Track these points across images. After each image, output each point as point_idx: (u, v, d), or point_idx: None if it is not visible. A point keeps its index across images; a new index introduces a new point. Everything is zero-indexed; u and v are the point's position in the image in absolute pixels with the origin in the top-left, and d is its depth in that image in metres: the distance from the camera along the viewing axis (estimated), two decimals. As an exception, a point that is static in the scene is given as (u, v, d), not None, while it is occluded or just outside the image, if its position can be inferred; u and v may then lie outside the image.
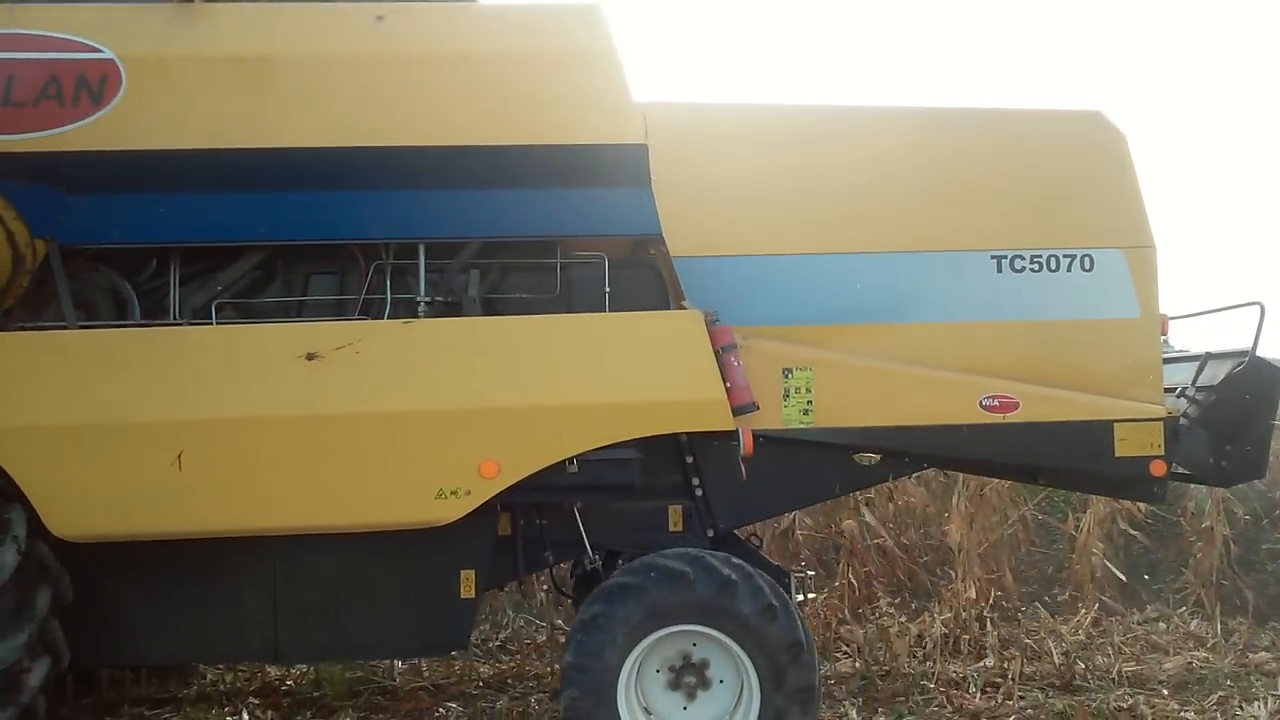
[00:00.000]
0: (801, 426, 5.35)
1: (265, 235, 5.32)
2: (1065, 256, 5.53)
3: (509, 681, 7.48)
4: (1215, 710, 6.72)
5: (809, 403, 5.35)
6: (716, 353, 5.17)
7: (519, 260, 5.59)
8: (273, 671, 7.58)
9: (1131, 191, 5.64)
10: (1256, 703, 6.77)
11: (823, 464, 5.56)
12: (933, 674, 7.37)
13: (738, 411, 5.15)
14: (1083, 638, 8.18)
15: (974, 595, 8.70)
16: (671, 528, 5.60)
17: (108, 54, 5.11)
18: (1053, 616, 8.64)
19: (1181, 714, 6.65)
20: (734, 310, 5.31)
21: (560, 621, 8.68)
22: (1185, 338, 7.02)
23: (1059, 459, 5.56)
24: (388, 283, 5.43)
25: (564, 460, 5.09)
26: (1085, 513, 9.48)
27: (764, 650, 4.99)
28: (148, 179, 5.16)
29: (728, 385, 5.14)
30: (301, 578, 5.35)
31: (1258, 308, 5.56)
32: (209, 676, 7.49)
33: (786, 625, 4.98)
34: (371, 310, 5.40)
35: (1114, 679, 7.32)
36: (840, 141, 5.65)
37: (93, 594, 5.20)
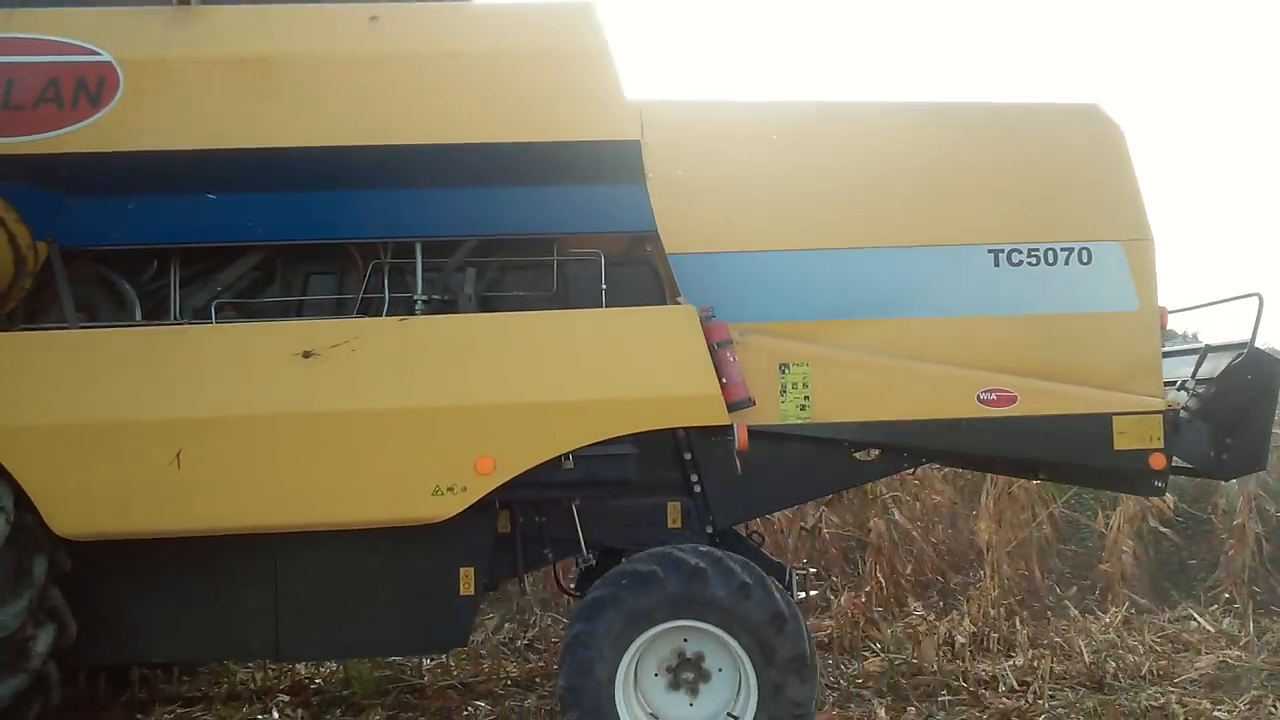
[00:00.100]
0: (798, 422, 5.36)
1: (263, 235, 5.37)
2: (1063, 250, 5.51)
3: (537, 680, 7.50)
4: (1248, 710, 6.65)
5: (806, 398, 5.36)
6: (712, 348, 5.18)
7: (515, 258, 5.62)
8: (302, 670, 7.64)
9: (1129, 184, 5.62)
10: (1290, 701, 6.71)
11: (821, 459, 5.56)
12: (961, 673, 7.32)
13: (734, 407, 5.16)
14: (1113, 636, 8.12)
15: (1002, 594, 8.66)
16: (670, 524, 5.62)
17: (106, 57, 5.17)
18: (1082, 615, 8.59)
19: (1214, 713, 6.58)
20: (730, 306, 5.33)
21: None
22: (1198, 329, 6.95)
23: (1058, 453, 5.54)
24: (385, 282, 5.47)
25: (559, 456, 5.11)
26: (1115, 510, 9.43)
27: (747, 628, 4.98)
28: (147, 180, 5.21)
29: (723, 381, 5.15)
30: (302, 576, 5.39)
31: (1256, 299, 5.53)
32: (239, 675, 7.54)
33: (763, 599, 4.97)
34: (370, 310, 5.44)
35: (1145, 678, 7.27)
36: (836, 137, 5.66)
37: (94, 593, 5.26)
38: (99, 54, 5.17)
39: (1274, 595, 9.11)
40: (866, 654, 7.86)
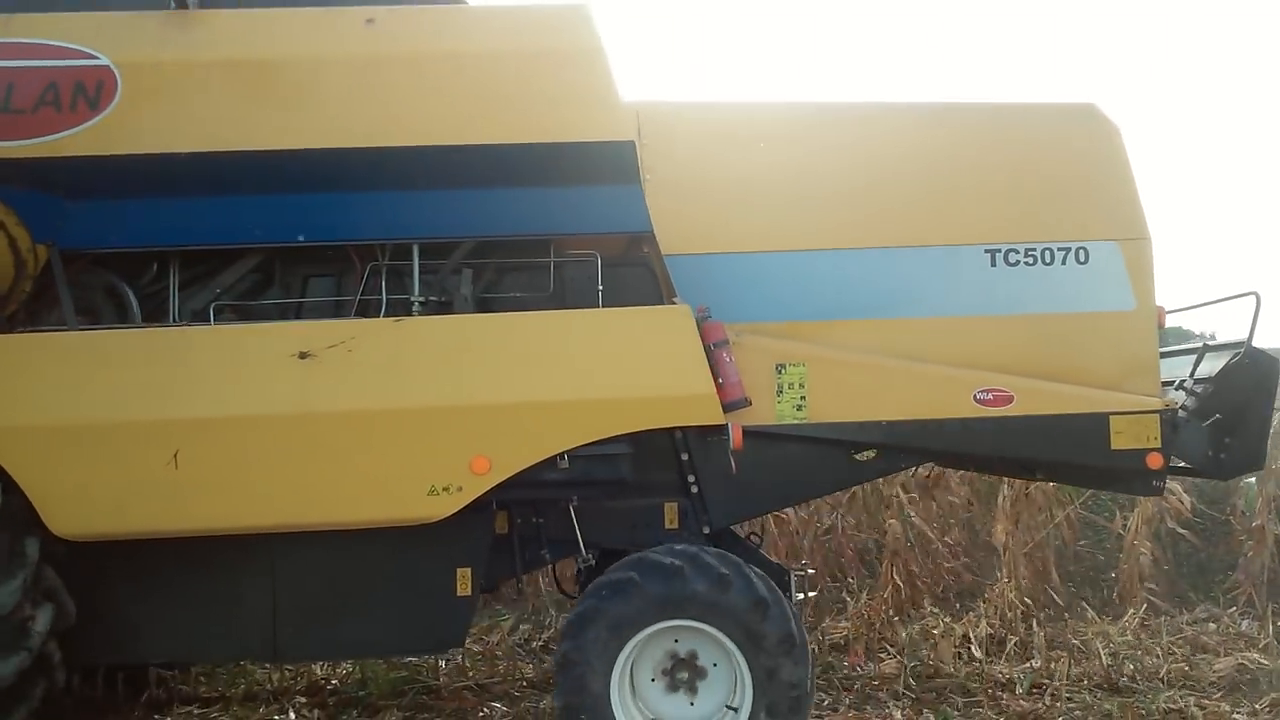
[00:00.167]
0: (795, 422, 5.37)
1: (261, 238, 5.41)
2: (1060, 249, 5.51)
3: (552, 681, 7.48)
4: (1268, 713, 6.62)
5: (802, 398, 5.37)
6: (709, 349, 5.19)
7: (512, 259, 5.64)
8: (319, 670, 7.67)
9: (1126, 183, 5.61)
10: (1310, 705, 6.67)
11: (818, 459, 5.56)
12: (978, 675, 7.30)
13: (730, 407, 5.17)
14: (1131, 638, 8.09)
15: (1019, 595, 8.63)
16: (668, 525, 5.63)
17: (104, 60, 5.20)
18: (1100, 617, 8.55)
19: (1233, 716, 6.56)
20: (727, 307, 5.34)
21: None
22: (1215, 329, 6.93)
23: (1055, 452, 5.53)
24: (383, 284, 5.49)
25: (555, 456, 5.13)
26: (1133, 512, 9.39)
27: (731, 619, 4.99)
28: (145, 183, 5.25)
29: (719, 381, 5.16)
30: (300, 576, 5.42)
31: (1254, 298, 5.52)
32: (256, 675, 7.57)
33: (743, 588, 4.98)
34: (369, 312, 5.45)
35: (1163, 680, 7.24)
36: (833, 138, 5.67)
37: (92, 593, 5.29)
38: (97, 58, 5.21)
39: (1293, 597, 9.06)
40: (883, 656, 7.84)
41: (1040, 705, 6.77)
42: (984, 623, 8.11)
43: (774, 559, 7.47)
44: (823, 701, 6.89)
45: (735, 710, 5.05)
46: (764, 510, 7.05)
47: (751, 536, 6.54)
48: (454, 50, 5.45)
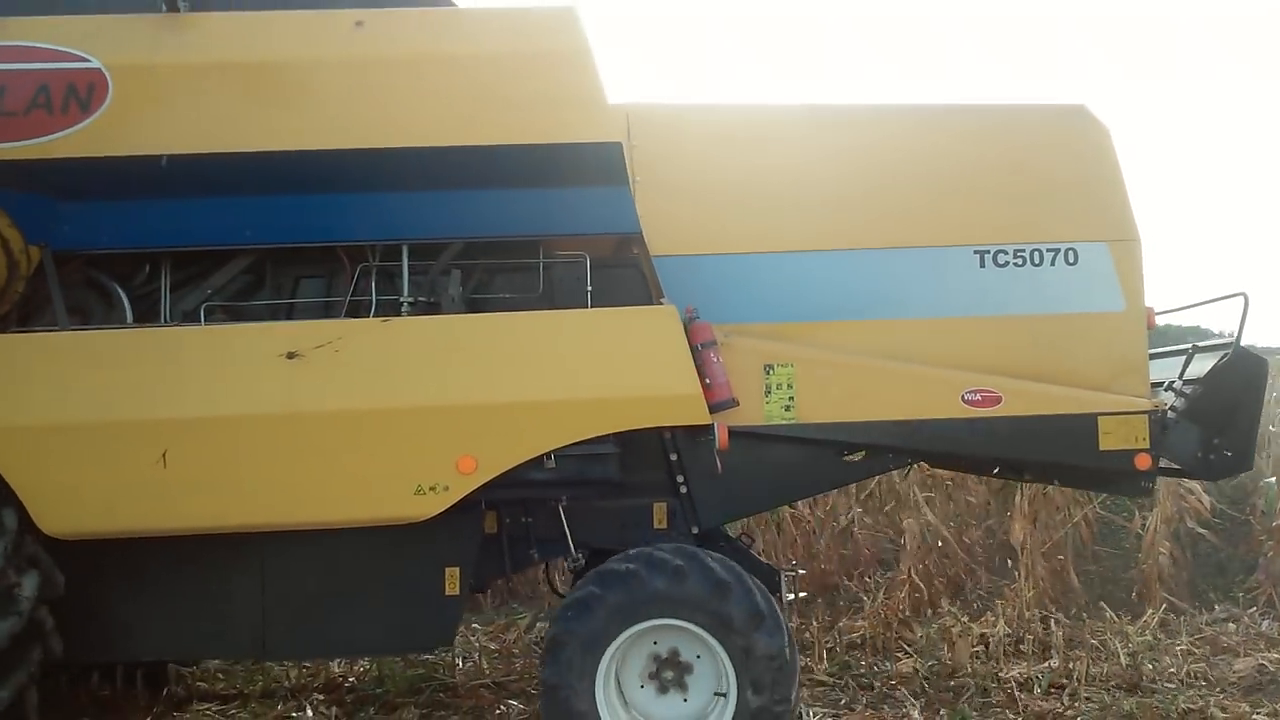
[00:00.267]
0: (783, 422, 5.38)
1: (252, 239, 5.43)
2: (1049, 250, 5.51)
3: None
4: (1287, 713, 6.58)
5: (791, 399, 5.38)
6: (696, 349, 5.20)
7: (501, 260, 5.65)
8: (336, 668, 7.72)
9: (1115, 185, 5.60)
10: (1330, 706, 6.62)
11: (807, 460, 5.57)
12: (996, 674, 7.27)
13: (717, 408, 5.18)
14: (1150, 638, 8.03)
15: (1037, 595, 8.59)
16: (656, 525, 5.65)
17: (95, 63, 5.25)
18: (1118, 617, 8.50)
19: (1253, 717, 6.49)
20: (716, 308, 5.35)
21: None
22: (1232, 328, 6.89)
23: (1043, 453, 5.53)
24: (373, 285, 5.50)
25: (541, 456, 5.15)
26: (1152, 511, 9.33)
27: (695, 606, 5.01)
28: (136, 185, 5.28)
29: (706, 381, 5.17)
30: (288, 575, 5.46)
31: (1242, 299, 5.49)
32: (274, 672, 7.60)
33: (700, 577, 5.00)
34: (359, 312, 5.46)
35: (1183, 681, 7.18)
36: (822, 140, 5.68)
37: (83, 591, 5.32)
38: (89, 61, 5.25)
39: (1313, 597, 9.00)
40: (900, 655, 7.82)
41: (1059, 705, 6.72)
42: (1002, 622, 8.07)
43: (768, 559, 7.46)
44: (840, 701, 6.88)
45: (724, 695, 5.07)
46: (753, 510, 7.10)
47: (742, 537, 6.55)
48: (442, 52, 5.49)
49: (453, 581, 5.44)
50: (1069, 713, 6.60)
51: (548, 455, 5.16)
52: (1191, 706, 6.64)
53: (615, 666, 5.12)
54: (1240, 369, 5.45)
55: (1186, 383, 5.68)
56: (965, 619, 8.33)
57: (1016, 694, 6.95)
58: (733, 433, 5.23)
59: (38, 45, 5.27)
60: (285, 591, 5.45)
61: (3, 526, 4.95)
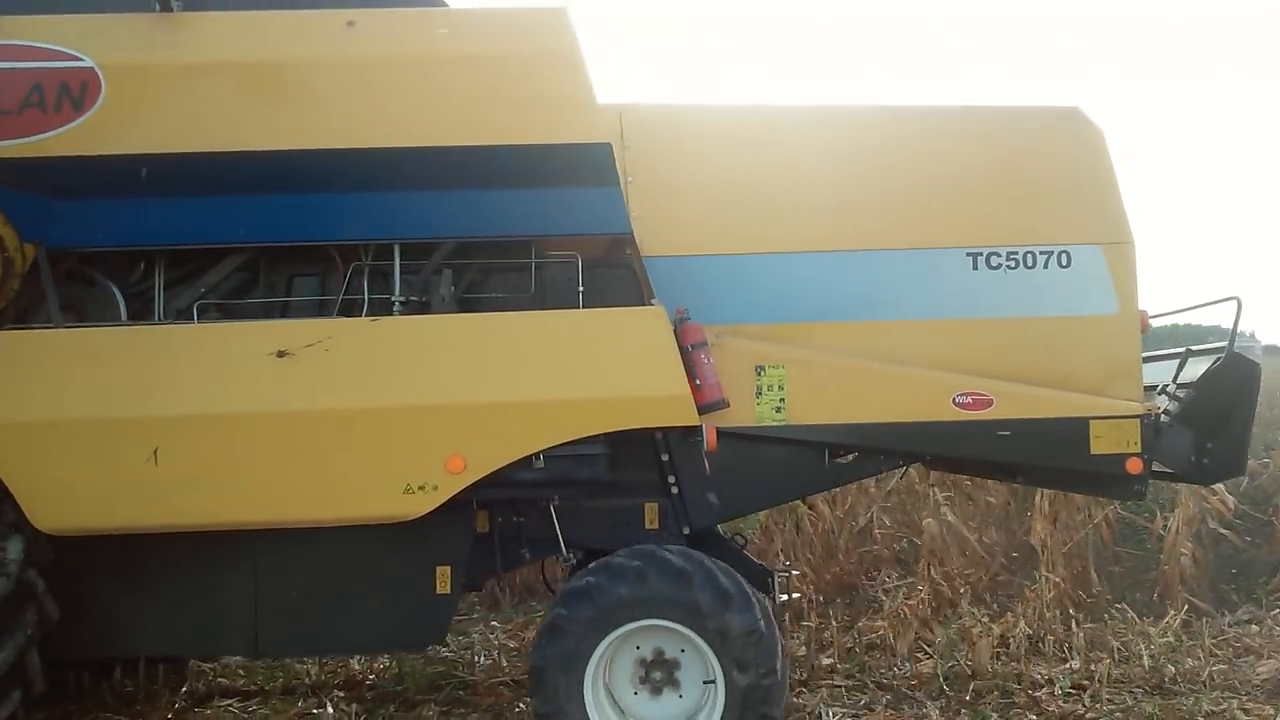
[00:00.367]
0: (774, 424, 5.38)
1: (245, 237, 5.47)
2: (1042, 253, 5.50)
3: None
4: (1311, 716, 6.52)
5: (782, 400, 5.38)
6: (687, 350, 5.20)
7: (492, 260, 5.66)
8: (356, 665, 7.74)
9: (1109, 187, 5.58)
10: (1355, 708, 6.56)
11: (797, 461, 5.57)
12: (1017, 676, 7.24)
13: (707, 409, 5.18)
14: (1172, 640, 7.96)
15: (1058, 596, 8.54)
16: (648, 525, 5.66)
17: (88, 62, 5.29)
18: (1140, 618, 8.45)
19: (1276, 719, 6.46)
20: (707, 309, 5.36)
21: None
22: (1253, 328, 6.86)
23: (1034, 456, 5.51)
24: (365, 284, 5.53)
25: (530, 456, 5.16)
26: (1173, 512, 9.27)
27: (663, 602, 5.03)
28: (130, 183, 5.31)
29: (697, 382, 5.17)
30: (281, 572, 5.50)
31: (1235, 302, 5.48)
32: (295, 669, 7.63)
33: (659, 571, 5.03)
34: (351, 311, 5.49)
35: (1205, 683, 7.12)
36: (815, 141, 5.68)
37: (76, 587, 5.38)
38: (82, 59, 5.29)
39: (1338, 599, 8.92)
40: (919, 655, 7.79)
41: (1080, 706, 6.69)
42: (1022, 623, 8.02)
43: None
44: (859, 701, 6.87)
45: (713, 682, 5.08)
46: (744, 511, 7.12)
47: (735, 538, 6.54)
48: (433, 52, 5.50)
49: (444, 580, 5.47)
50: (1090, 715, 6.56)
51: (536, 455, 5.18)
52: (1215, 709, 6.59)
53: (603, 679, 5.16)
54: (1233, 373, 5.42)
55: (1180, 386, 5.64)
56: (985, 619, 8.29)
57: (1038, 695, 6.91)
58: (723, 434, 5.24)
59: (31, 44, 5.32)
60: (278, 589, 5.49)
61: None
